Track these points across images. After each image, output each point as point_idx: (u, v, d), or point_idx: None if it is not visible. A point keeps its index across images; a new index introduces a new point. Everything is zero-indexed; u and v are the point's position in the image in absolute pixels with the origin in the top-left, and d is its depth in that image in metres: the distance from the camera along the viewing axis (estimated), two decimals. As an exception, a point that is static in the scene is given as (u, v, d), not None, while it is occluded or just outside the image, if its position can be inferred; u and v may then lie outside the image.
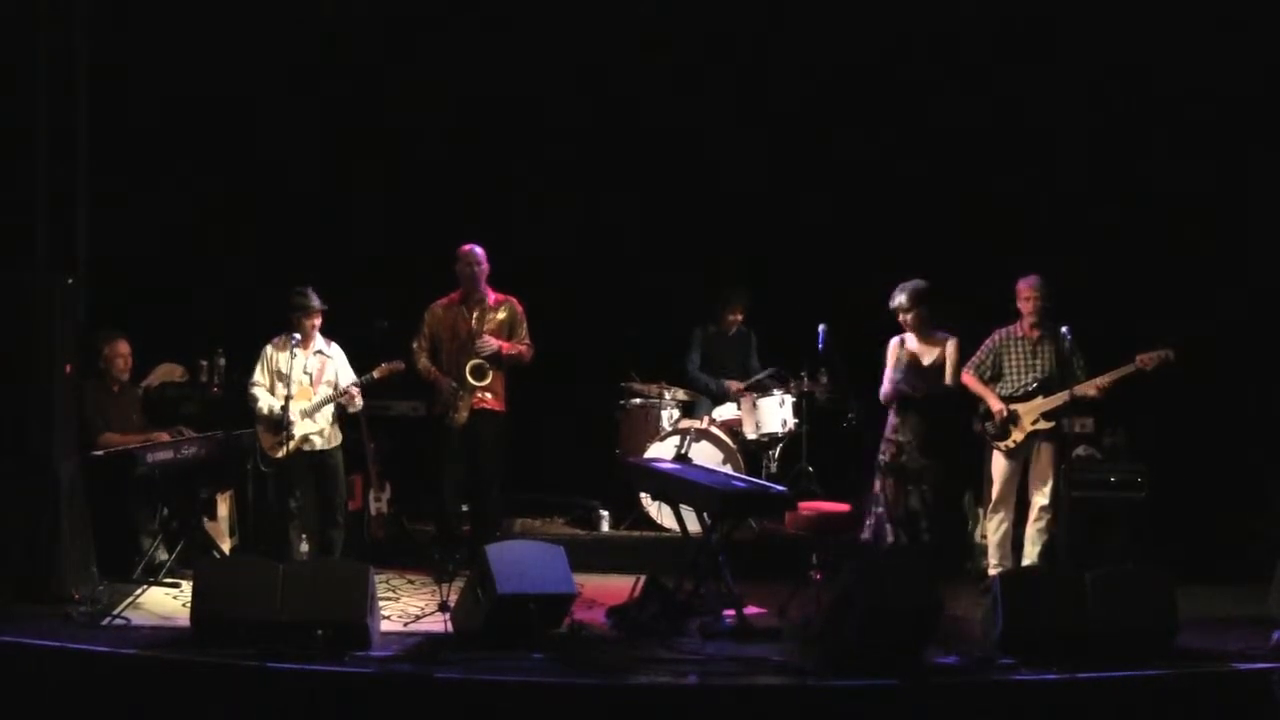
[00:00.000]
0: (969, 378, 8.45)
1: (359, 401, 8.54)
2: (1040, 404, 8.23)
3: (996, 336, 8.44)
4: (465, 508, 8.96)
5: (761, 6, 10.11)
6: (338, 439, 8.58)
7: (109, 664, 6.63)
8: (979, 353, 8.47)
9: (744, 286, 10.07)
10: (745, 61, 10.21)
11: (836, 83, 10.16)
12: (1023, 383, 8.33)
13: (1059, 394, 8.11)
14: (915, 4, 9.97)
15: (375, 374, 8.45)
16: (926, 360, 8.48)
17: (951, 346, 8.47)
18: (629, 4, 10.06)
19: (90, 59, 9.04)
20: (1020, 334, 8.39)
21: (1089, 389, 8.18)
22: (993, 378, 8.41)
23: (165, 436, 8.62)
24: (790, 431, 9.61)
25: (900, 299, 8.43)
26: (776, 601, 7.73)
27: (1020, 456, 8.32)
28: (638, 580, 7.64)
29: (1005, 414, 8.26)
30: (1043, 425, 8.23)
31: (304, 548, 8.47)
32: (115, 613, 7.42)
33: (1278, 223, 9.69)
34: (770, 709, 6.43)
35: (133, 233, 9.74)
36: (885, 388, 8.50)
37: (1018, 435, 8.28)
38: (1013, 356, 8.39)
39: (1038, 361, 8.32)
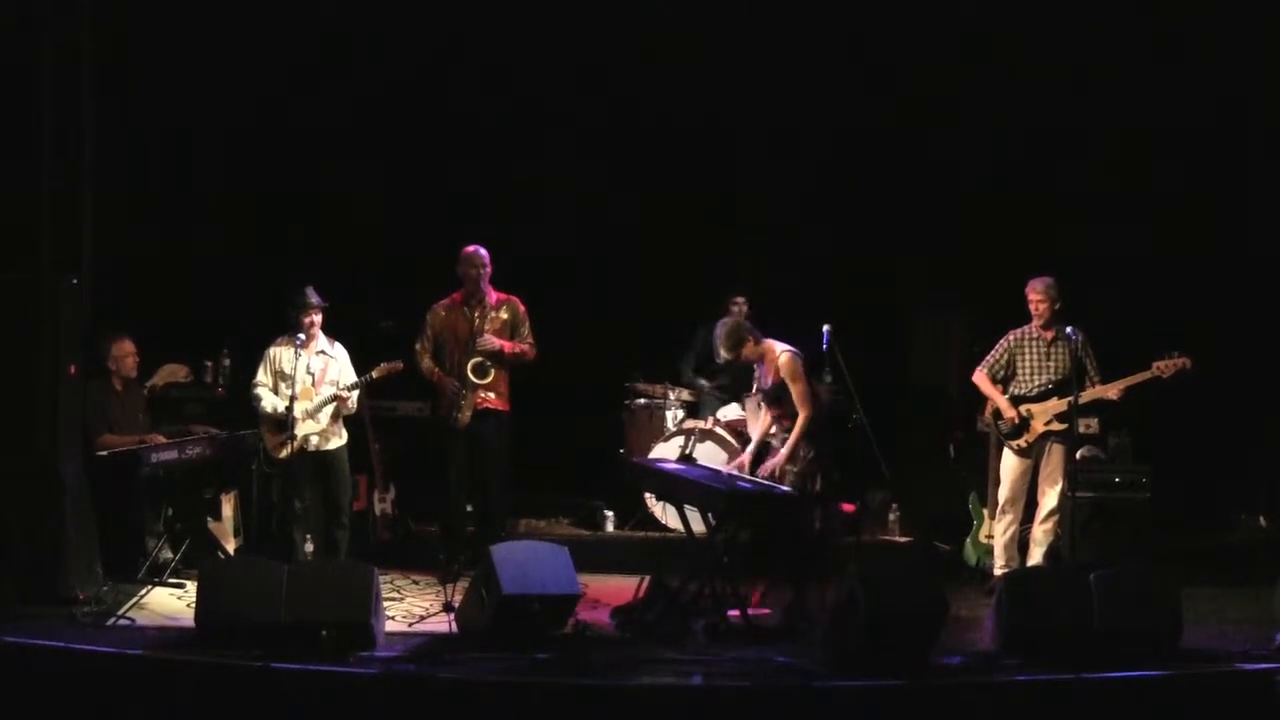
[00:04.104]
0: (980, 377, 8.44)
1: (352, 404, 8.52)
2: (1055, 405, 8.20)
3: (1011, 337, 8.41)
4: (470, 508, 8.96)
5: (762, 6, 10.11)
6: (342, 439, 8.56)
7: (113, 664, 6.62)
8: (993, 352, 8.45)
9: (744, 286, 10.06)
10: (745, 59, 10.20)
11: (840, 81, 10.16)
12: (1037, 383, 8.30)
13: (1074, 395, 8.01)
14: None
15: (374, 374, 8.43)
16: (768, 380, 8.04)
17: (785, 359, 7.90)
18: (629, 4, 10.06)
19: (95, 57, 9.03)
20: (1034, 334, 8.35)
21: (1109, 392, 8.16)
22: (1006, 378, 8.40)
23: (161, 439, 8.60)
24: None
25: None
26: (781, 602, 7.73)
27: (1032, 456, 8.31)
28: (642, 581, 7.65)
29: (1016, 419, 8.25)
30: (1055, 426, 8.22)
31: (308, 548, 8.46)
32: (120, 613, 7.43)
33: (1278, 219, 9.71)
34: (775, 710, 6.41)
35: (136, 232, 9.74)
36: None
37: (1030, 435, 8.27)
38: (1027, 357, 8.36)
39: (1051, 363, 8.29)
